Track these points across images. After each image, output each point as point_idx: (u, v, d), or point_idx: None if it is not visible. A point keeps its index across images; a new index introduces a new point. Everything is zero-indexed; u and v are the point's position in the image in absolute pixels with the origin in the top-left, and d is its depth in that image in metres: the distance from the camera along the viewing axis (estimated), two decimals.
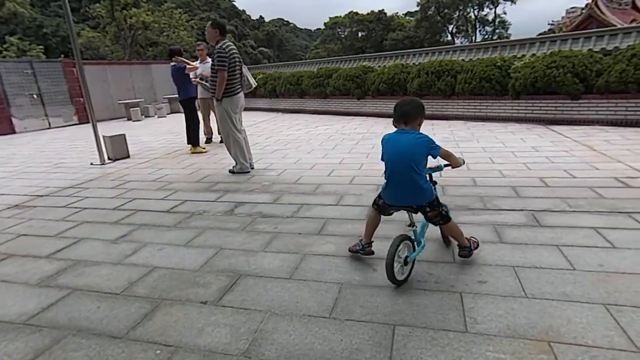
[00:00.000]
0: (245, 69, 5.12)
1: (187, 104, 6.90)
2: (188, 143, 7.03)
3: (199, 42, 8.10)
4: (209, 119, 7.81)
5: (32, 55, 14.05)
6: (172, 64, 6.79)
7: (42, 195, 4.61)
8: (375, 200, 2.48)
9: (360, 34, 45.02)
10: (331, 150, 6.40)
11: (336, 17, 46.33)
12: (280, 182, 4.64)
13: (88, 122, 13.41)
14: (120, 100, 14.26)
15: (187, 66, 6.80)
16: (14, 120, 11.92)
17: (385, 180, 2.28)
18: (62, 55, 14.73)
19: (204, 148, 7.08)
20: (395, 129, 2.29)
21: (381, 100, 10.74)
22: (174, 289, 2.39)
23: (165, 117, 14.18)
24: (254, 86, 5.34)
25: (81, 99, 13.57)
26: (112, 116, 14.33)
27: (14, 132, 11.78)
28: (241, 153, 5.11)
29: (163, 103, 15.21)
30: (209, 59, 7.36)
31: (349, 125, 9.45)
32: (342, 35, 46.36)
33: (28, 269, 2.74)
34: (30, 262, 2.86)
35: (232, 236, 3.13)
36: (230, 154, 5.21)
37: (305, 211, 3.60)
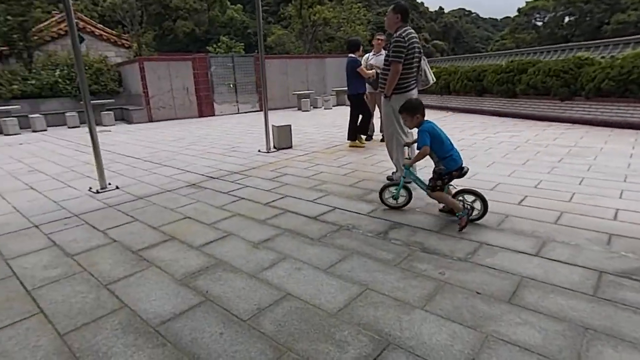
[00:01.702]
0: (424, 62, 4.32)
1: (355, 100, 6.57)
2: (348, 139, 6.76)
3: (379, 32, 7.62)
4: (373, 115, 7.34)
5: (235, 51, 16.51)
6: (351, 55, 6.45)
7: (213, 178, 4.94)
8: (436, 186, 3.13)
9: (567, 19, 37.11)
10: (520, 167, 4.91)
11: (536, 0, 39.56)
12: None
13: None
14: (295, 92, 15.37)
15: (361, 68, 6.45)
16: (215, 104, 14.18)
17: (448, 155, 3.04)
18: (256, 51, 16.74)
19: (362, 143, 6.72)
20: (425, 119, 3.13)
21: (600, 102, 8.13)
22: (303, 337, 1.89)
23: (330, 109, 14.56)
24: (431, 82, 4.49)
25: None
26: (287, 105, 15.59)
27: (213, 115, 14.03)
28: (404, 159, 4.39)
29: (331, 95, 15.71)
30: (384, 52, 6.84)
31: (545, 133, 7.41)
32: (540, 22, 39.33)
33: (178, 259, 2.72)
34: (183, 251, 2.86)
35: (383, 272, 2.47)
36: (391, 158, 4.55)
37: (485, 255, 2.61)
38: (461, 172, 3.09)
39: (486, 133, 7.66)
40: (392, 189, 3.51)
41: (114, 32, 18.70)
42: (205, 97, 13.81)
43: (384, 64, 4.29)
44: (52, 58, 14.06)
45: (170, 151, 7.07)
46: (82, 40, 15.41)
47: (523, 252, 2.60)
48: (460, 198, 3.15)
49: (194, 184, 4.69)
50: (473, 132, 7.93)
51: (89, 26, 17.52)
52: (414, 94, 4.34)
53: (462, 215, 2.96)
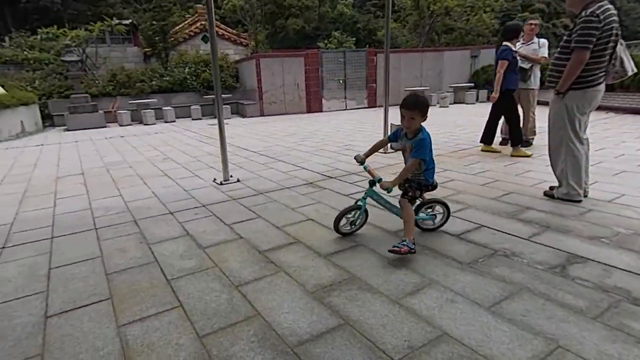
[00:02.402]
0: (621, 48, 3.34)
1: (504, 97, 5.49)
2: (482, 141, 5.90)
3: (532, 18, 6.56)
4: (530, 115, 6.11)
5: (346, 46, 16.41)
6: (505, 44, 5.42)
7: (331, 177, 4.70)
8: (415, 197, 2.76)
9: None
10: None
11: None
12: None
13: (375, 107, 14.93)
14: (406, 88, 14.63)
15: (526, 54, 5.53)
16: (323, 100, 14.25)
17: (432, 166, 2.70)
18: (367, 46, 16.39)
19: (527, 153, 5.52)
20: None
21: None
22: None
23: (447, 107, 13.52)
24: (630, 73, 3.45)
25: (374, 85, 14.80)
26: (396, 102, 14.74)
27: (321, 111, 14.11)
28: (574, 172, 3.43)
29: (448, 92, 14.59)
30: (536, 40, 5.85)
31: None
32: None
33: (307, 267, 2.47)
34: (311, 257, 2.61)
35: (577, 325, 1.83)
36: (554, 169, 3.65)
37: None
38: (434, 186, 2.78)
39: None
40: (351, 214, 2.90)
41: (234, 31, 20.21)
42: (315, 93, 13.97)
43: (560, 50, 3.42)
44: (183, 57, 15.78)
45: (284, 146, 7.12)
46: (207, 40, 16.95)
47: None
48: (430, 209, 2.98)
49: (311, 183, 4.51)
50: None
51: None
52: (602, 89, 3.39)
53: (408, 246, 2.47)
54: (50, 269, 2.57)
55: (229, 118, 12.97)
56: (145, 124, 12.18)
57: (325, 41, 17.23)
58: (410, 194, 2.68)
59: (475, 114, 11.02)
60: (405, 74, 15.26)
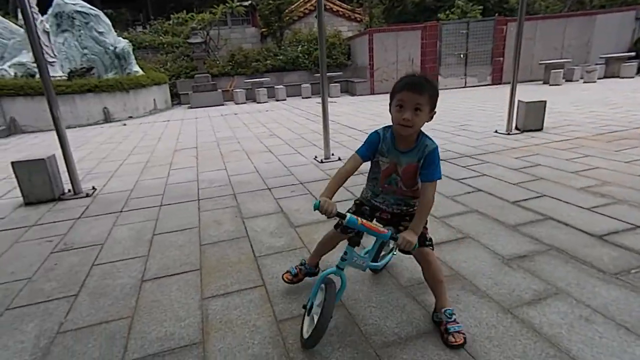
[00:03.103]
0: None
1: None
2: None
3: None
4: None
5: (471, 16, 14.65)
6: None
7: (441, 160, 4.22)
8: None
9: None
10: None
11: None
12: None
13: (500, 84, 13.19)
14: (541, 61, 12.54)
15: None
16: (439, 77, 13.16)
17: None
18: (496, 14, 14.43)
19: None
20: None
21: None
22: None
23: (594, 82, 11.23)
24: None
25: (501, 59, 13.06)
26: (527, 78, 12.95)
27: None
28: None
29: (597, 64, 12.07)
30: None
31: None
32: None
33: (401, 258, 2.21)
34: None
35: None
36: None
37: None
38: None
39: None
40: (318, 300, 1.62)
41: (348, 7, 19.91)
42: (430, 70, 12.99)
43: None
44: (297, 35, 16.10)
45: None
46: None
47: None
48: None
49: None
50: None
51: (328, 3, 19.15)
52: None
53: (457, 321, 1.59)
54: (154, 235, 2.74)
55: (338, 96, 12.96)
56: (257, 102, 12.94)
57: (447, 12, 15.61)
58: (428, 237, 1.64)
59: (635, 90, 9.07)
60: (540, 45, 13.08)
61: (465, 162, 4.10)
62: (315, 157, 4.69)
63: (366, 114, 8.55)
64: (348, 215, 1.41)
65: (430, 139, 1.53)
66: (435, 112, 1.49)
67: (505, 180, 3.42)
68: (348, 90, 14.26)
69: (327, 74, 12.78)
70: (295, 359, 1.50)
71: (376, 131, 1.59)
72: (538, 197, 2.98)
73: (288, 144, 5.74)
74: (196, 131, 7.70)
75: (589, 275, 1.92)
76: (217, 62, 14.83)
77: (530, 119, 5.23)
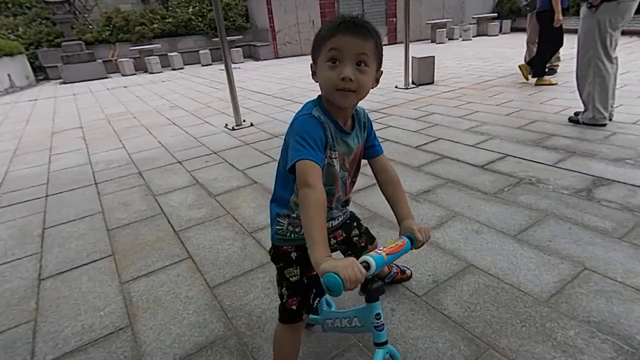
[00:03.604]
0: None
1: (544, 18, 4.75)
2: (533, 75, 5.13)
3: None
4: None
5: None
6: None
7: None
8: None
9: None
10: None
11: None
12: None
13: (395, 43, 13.98)
14: (428, 21, 13.54)
15: None
16: None
17: None
18: None
19: (552, 81, 5.07)
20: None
21: None
22: (507, 330, 1.36)
23: (470, 39, 12.56)
24: None
25: (394, 19, 13.76)
26: (417, 38, 13.93)
27: None
28: (601, 94, 3.24)
29: (471, 24, 13.45)
30: None
31: None
32: None
33: None
34: None
35: (603, 247, 1.75)
36: (580, 93, 3.41)
37: None
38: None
39: None
40: None
41: None
42: None
43: None
44: None
45: (301, 87, 6.81)
46: None
47: None
48: None
49: None
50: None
51: None
52: (636, 2, 3.01)
53: None
54: (45, 229, 2.42)
55: (241, 62, 12.43)
56: (150, 73, 11.53)
57: None
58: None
59: (499, 46, 10.41)
60: (426, 5, 14.06)
61: (373, 116, 4.38)
62: (226, 125, 4.55)
63: (273, 78, 8.44)
64: (371, 259, 0.83)
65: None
66: (382, 72, 0.99)
67: (407, 129, 3.77)
68: (251, 55, 13.76)
69: (228, 37, 12.06)
70: (235, 318, 1.54)
71: (310, 116, 0.93)
72: (435, 140, 3.37)
73: (194, 114, 5.44)
74: (77, 109, 6.69)
75: (476, 197, 2.29)
76: (90, 27, 12.40)
77: (423, 73, 5.73)
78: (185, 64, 12.59)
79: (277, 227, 1.07)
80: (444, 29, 12.64)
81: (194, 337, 1.46)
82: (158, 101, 6.80)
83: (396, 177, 1.14)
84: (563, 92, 4.61)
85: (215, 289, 1.73)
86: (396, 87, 5.87)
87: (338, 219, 1.17)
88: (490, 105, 4.35)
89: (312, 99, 1.00)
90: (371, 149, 1.13)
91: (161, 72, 11.70)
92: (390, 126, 3.93)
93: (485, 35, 13.43)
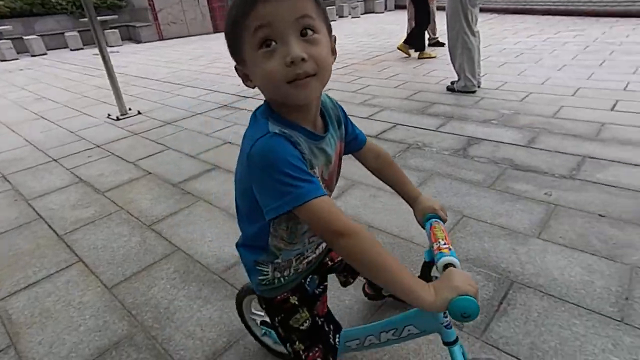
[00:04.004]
0: None
1: None
2: (416, 50, 5.54)
3: None
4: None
5: None
6: None
7: (247, 97, 4.35)
8: None
9: None
10: (598, 69, 4.27)
11: None
12: (529, 113, 3.14)
13: None
14: None
15: None
16: None
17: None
18: None
19: (432, 54, 5.56)
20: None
21: None
22: None
23: (359, 17, 13.12)
24: None
25: None
26: None
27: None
28: (470, 64, 3.71)
29: (358, 2, 14.02)
30: None
31: (614, 31, 6.48)
32: None
33: (228, 191, 2.30)
34: (231, 180, 2.43)
35: (476, 195, 2.05)
36: (453, 64, 3.85)
37: (593, 170, 2.19)
38: None
39: (545, 34, 6.74)
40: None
41: None
42: (219, 9, 12.44)
43: None
44: None
45: (191, 70, 6.39)
46: None
47: (637, 164, 2.20)
48: None
49: (225, 105, 4.14)
50: (529, 33, 6.95)
51: None
52: None
53: None
54: None
55: (119, 45, 11.10)
56: (2, 60, 9.58)
57: None
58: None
59: (387, 22, 11.04)
60: None
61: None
62: (109, 115, 4.07)
63: (159, 61, 7.76)
64: (454, 259, 0.70)
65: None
66: (335, 38, 0.73)
67: None
68: (131, 37, 12.37)
69: (100, 17, 10.61)
70: (140, 314, 1.45)
71: (272, 136, 0.66)
72: None
73: (67, 105, 4.74)
74: None
75: None
76: None
77: None
78: (48, 49, 10.68)
79: (261, 278, 0.85)
80: (334, 7, 12.99)
81: (94, 341, 1.34)
82: (18, 93, 5.75)
83: (389, 157, 0.99)
84: (441, 64, 5.06)
85: (114, 288, 1.59)
86: None
87: (323, 245, 0.95)
88: (380, 79, 4.65)
89: (256, 109, 0.73)
90: (353, 142, 0.92)
91: (17, 59, 9.75)
92: None
93: (373, 12, 14.17)
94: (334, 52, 0.70)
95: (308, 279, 0.92)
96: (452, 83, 3.93)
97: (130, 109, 4.13)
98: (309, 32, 0.62)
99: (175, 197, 2.28)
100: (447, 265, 0.66)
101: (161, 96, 4.80)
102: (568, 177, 2.15)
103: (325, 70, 0.65)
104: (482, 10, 10.92)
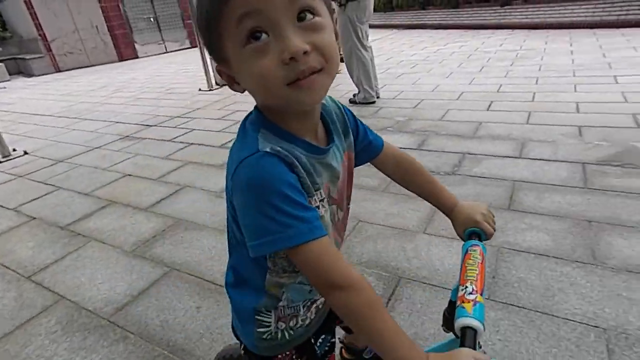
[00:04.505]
0: None
1: None
2: None
3: None
4: None
5: None
6: None
7: (151, 126, 4.19)
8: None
9: None
10: (478, 74, 4.84)
11: None
12: (420, 118, 3.44)
13: (198, 46, 13.66)
14: None
15: None
16: (136, 46, 12.31)
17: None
18: None
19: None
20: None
21: (536, 5, 8.19)
22: None
23: None
24: None
25: (191, 22, 13.41)
26: None
27: (137, 57, 12.26)
28: (366, 77, 3.97)
29: None
30: None
31: (491, 41, 7.39)
32: None
33: (125, 227, 2.17)
34: (129, 215, 2.30)
35: (371, 200, 2.18)
36: (351, 77, 4.08)
37: (472, 165, 2.45)
38: None
39: (436, 46, 7.47)
40: None
41: None
42: (123, 36, 11.88)
43: None
44: None
45: (91, 102, 5.98)
46: None
47: (507, 157, 2.52)
48: None
49: (127, 136, 3.93)
50: (423, 46, 7.66)
51: None
52: (371, 1, 3.78)
53: None
54: None
55: (7, 80, 10.03)
56: None
57: None
58: None
59: None
60: None
61: (176, 122, 4.23)
62: None
63: (54, 95, 7.15)
64: (476, 322, 0.53)
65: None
66: (337, 20, 0.57)
67: (211, 130, 3.79)
68: (21, 70, 11.23)
69: None
70: None
71: (263, 155, 0.52)
72: None
73: None
74: None
75: None
76: None
77: None
78: None
79: (261, 330, 0.68)
80: None
81: None
82: None
83: (415, 161, 0.82)
84: (346, 78, 5.32)
85: None
86: (200, 89, 5.81)
87: None
88: None
89: (246, 117, 0.60)
90: (368, 149, 0.75)
91: None
92: (193, 130, 3.88)
93: None
94: (337, 35, 0.56)
95: (320, 340, 0.75)
96: (354, 96, 4.17)
97: (14, 150, 3.73)
98: (308, 15, 0.49)
99: (63, 241, 2.10)
100: (465, 329, 0.52)
101: (54, 132, 4.42)
102: (451, 173, 2.39)
103: (334, 61, 0.52)
104: (383, 26, 11.96)
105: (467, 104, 3.71)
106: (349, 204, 0.72)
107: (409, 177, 0.80)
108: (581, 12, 7.48)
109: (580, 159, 2.33)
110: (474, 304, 0.54)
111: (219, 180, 2.62)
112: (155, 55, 12.56)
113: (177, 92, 5.94)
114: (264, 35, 0.47)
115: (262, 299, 0.65)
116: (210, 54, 0.56)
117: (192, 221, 2.14)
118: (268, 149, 0.52)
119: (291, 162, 0.53)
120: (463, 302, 0.55)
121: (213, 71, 5.78)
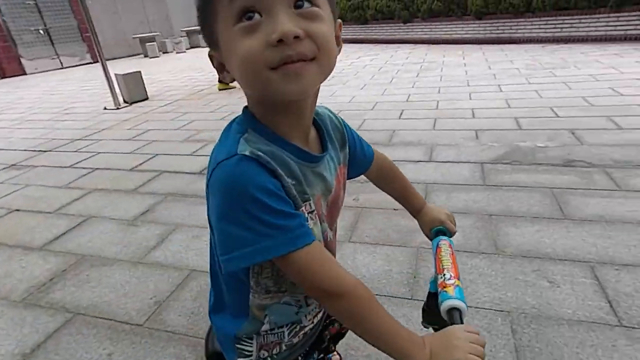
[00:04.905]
0: None
1: None
2: (219, 80, 5.81)
3: None
4: None
5: None
6: None
7: (45, 151, 3.70)
8: None
9: None
10: (389, 85, 5.18)
11: None
12: None
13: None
14: (134, 35, 12.92)
15: None
16: (23, 60, 10.94)
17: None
18: None
19: (233, 85, 5.86)
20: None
21: (433, 23, 9.09)
22: None
23: (184, 52, 12.89)
24: None
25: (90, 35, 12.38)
26: (128, 53, 13.12)
27: (24, 74, 10.89)
28: None
29: (181, 37, 13.78)
30: None
31: (398, 54, 7.98)
32: None
33: (12, 273, 1.87)
34: (18, 257, 1.99)
35: None
36: None
37: None
38: None
39: (349, 60, 7.83)
40: None
41: None
42: (4, 50, 10.46)
43: None
44: None
45: None
46: None
47: (419, 161, 2.69)
48: None
49: (14, 165, 3.43)
50: (338, 60, 7.93)
51: None
52: None
53: None
54: None
55: None
56: None
57: None
58: None
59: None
60: (127, 19, 13.35)
61: (77, 145, 3.81)
62: None
63: None
64: (459, 302, 0.56)
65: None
66: (341, 24, 0.57)
67: (120, 152, 3.49)
68: None
69: None
70: None
71: (240, 159, 0.48)
72: (152, 157, 3.27)
73: None
74: None
75: (195, 204, 2.37)
76: None
77: (133, 90, 5.44)
78: None
79: None
80: (154, 43, 12.42)
81: None
82: None
83: (393, 165, 0.83)
84: (345, 89, 5.30)
85: None
86: (105, 108, 5.34)
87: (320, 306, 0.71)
88: (205, 113, 4.62)
89: (235, 117, 0.57)
90: (364, 160, 0.75)
91: None
92: (99, 153, 3.53)
93: (198, 47, 14.12)
94: (339, 42, 0.54)
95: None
96: None
97: None
98: (306, 3, 0.46)
99: None
100: (451, 311, 0.55)
101: None
102: (368, 180, 2.48)
103: (328, 53, 0.48)
104: None
105: (381, 113, 3.93)
106: (335, 224, 0.68)
107: (386, 182, 0.83)
108: (470, 29, 8.48)
109: (479, 159, 2.58)
110: (455, 287, 0.58)
111: (131, 207, 2.40)
112: (48, 71, 11.30)
113: (76, 112, 5.37)
114: (256, 15, 0.44)
115: (243, 324, 0.62)
116: (204, 38, 0.54)
117: (99, 256, 1.92)
118: (247, 152, 0.48)
119: (273, 169, 0.49)
120: (445, 287, 0.59)
121: (119, 87, 5.37)
